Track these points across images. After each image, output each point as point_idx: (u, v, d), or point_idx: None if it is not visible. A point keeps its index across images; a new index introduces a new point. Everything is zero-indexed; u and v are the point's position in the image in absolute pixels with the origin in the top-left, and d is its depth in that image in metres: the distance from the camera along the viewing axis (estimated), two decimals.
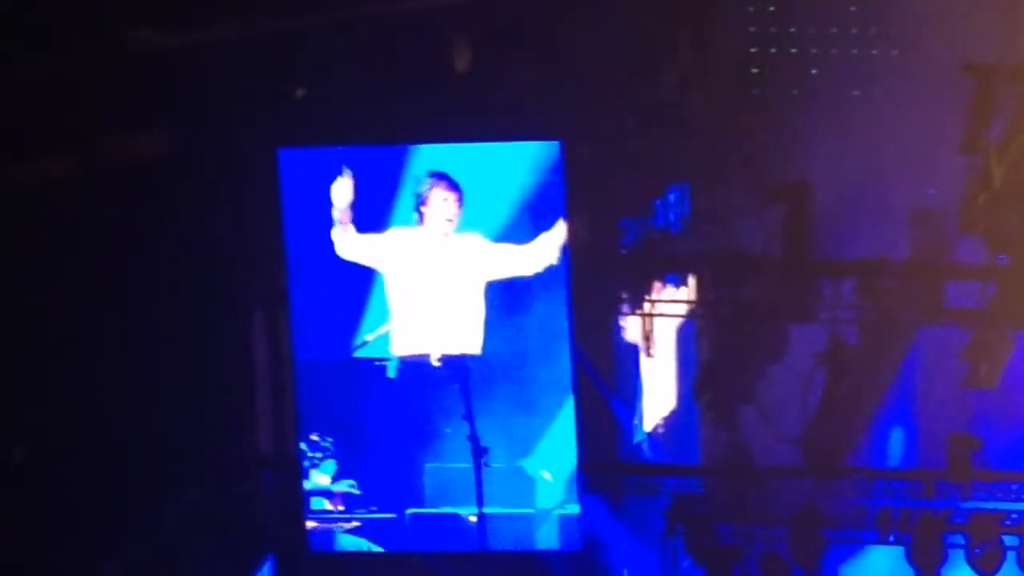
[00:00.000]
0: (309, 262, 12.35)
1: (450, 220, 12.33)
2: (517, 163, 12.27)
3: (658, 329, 12.99)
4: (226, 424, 12.46)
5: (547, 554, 12.80)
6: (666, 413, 13.29)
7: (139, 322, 11.30)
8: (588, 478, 12.65)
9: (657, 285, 12.84)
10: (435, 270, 12.45)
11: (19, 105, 10.20)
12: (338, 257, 12.32)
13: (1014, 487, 12.26)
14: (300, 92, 12.11)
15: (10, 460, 10.56)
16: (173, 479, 11.86)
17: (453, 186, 12.29)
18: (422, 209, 12.32)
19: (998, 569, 12.18)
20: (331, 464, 12.69)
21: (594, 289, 12.60)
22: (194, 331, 11.88)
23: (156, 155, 11.40)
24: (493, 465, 12.47)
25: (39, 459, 10.64)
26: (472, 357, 12.45)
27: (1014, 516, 12.22)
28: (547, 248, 12.23)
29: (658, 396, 13.26)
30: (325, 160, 12.25)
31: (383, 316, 12.53)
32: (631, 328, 13.02)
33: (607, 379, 13.05)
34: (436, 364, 12.47)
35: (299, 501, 12.67)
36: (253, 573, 12.65)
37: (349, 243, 12.28)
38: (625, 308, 12.89)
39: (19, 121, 10.22)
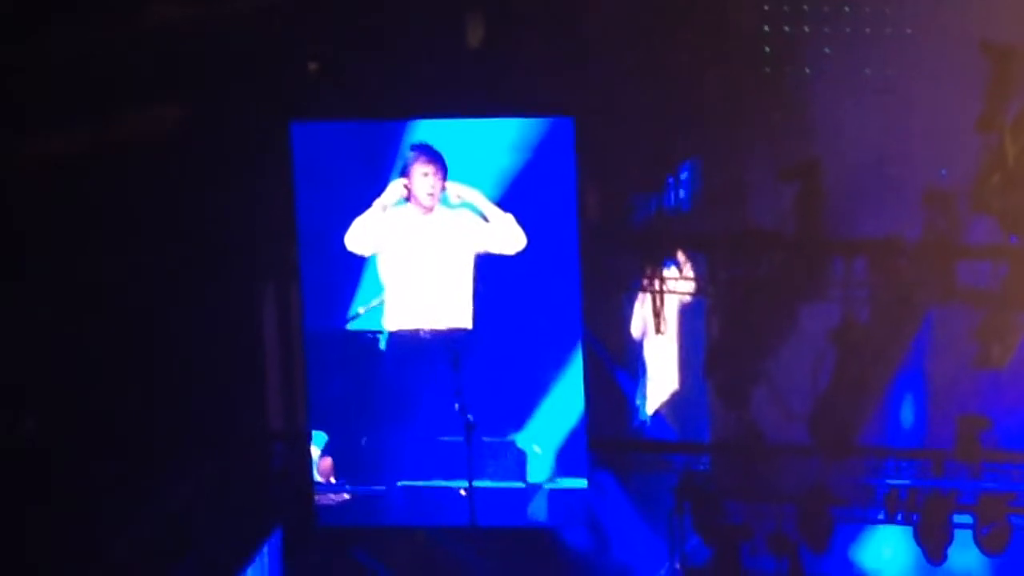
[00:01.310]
0: (319, 236, 12.34)
1: (431, 194, 12.31)
2: (519, 138, 12.26)
3: (668, 306, 12.99)
4: (235, 398, 12.44)
5: (539, 528, 12.83)
6: (676, 391, 13.30)
7: (150, 295, 11.26)
8: (596, 455, 12.64)
9: (668, 262, 12.83)
10: (422, 245, 12.44)
11: (31, 80, 10.16)
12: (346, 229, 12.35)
13: (1023, 468, 12.26)
14: (313, 66, 12.08)
15: (20, 433, 10.53)
16: (182, 452, 11.83)
17: (433, 159, 12.27)
18: (406, 184, 12.32)
19: (1005, 549, 12.21)
20: (321, 436, 12.70)
21: (605, 266, 12.59)
22: (204, 304, 11.85)
23: (169, 128, 11.37)
24: (484, 439, 12.48)
25: (49, 432, 10.60)
26: (464, 331, 12.45)
27: (1022, 497, 12.23)
28: (507, 227, 12.24)
29: (668, 374, 13.27)
30: (338, 134, 12.24)
31: (376, 289, 12.53)
32: (641, 305, 13.02)
33: (616, 356, 13.06)
34: (427, 338, 12.47)
35: (307, 475, 12.67)
36: (261, 546, 12.64)
37: (367, 233, 12.27)
38: (636, 285, 12.88)
39: (31, 96, 10.17)
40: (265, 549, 12.72)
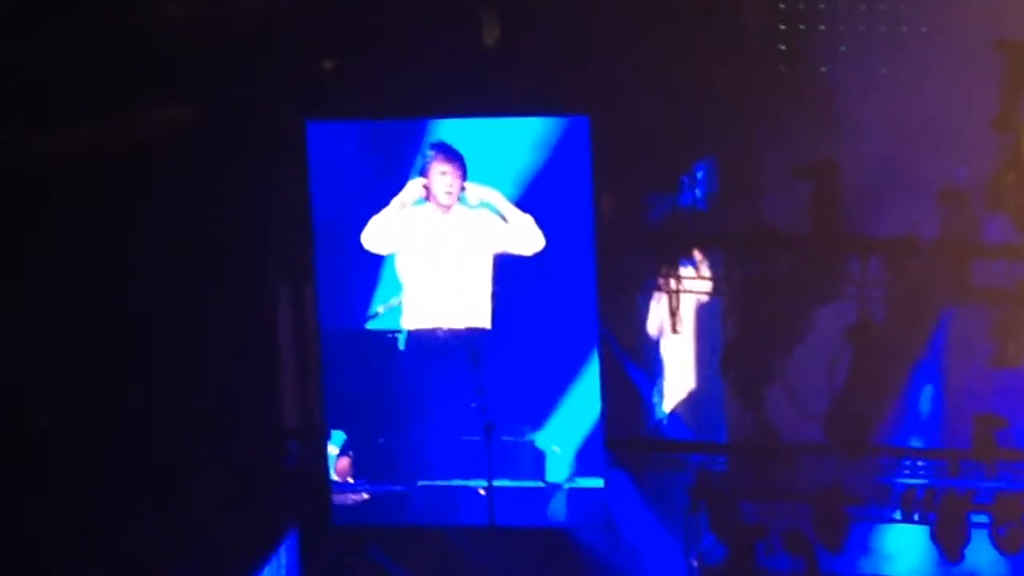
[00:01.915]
0: (335, 235, 12.36)
1: (449, 193, 12.32)
2: (537, 138, 12.26)
3: (684, 306, 12.98)
4: (251, 396, 12.47)
5: (557, 528, 12.83)
6: (692, 390, 13.29)
7: (165, 292, 11.29)
8: (612, 454, 12.63)
9: (683, 262, 12.82)
10: (441, 244, 12.45)
11: (48, 76, 10.21)
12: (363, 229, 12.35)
13: None
14: (329, 65, 12.10)
15: (34, 430, 10.57)
16: (197, 451, 11.85)
17: (452, 158, 12.28)
18: (425, 184, 12.33)
19: (1022, 549, 12.16)
20: (339, 435, 12.70)
21: (620, 265, 12.58)
22: (220, 302, 11.89)
23: (185, 126, 11.40)
24: (503, 438, 12.47)
25: (63, 429, 10.64)
26: (482, 330, 12.45)
27: None
28: (526, 228, 12.23)
29: (684, 373, 13.26)
30: (353, 133, 12.27)
31: (396, 288, 12.53)
32: (657, 305, 13.01)
33: (632, 355, 13.05)
34: (446, 337, 12.47)
35: (323, 474, 12.68)
36: (277, 546, 12.65)
37: (384, 232, 12.29)
38: (651, 284, 12.87)
39: (48, 92, 10.23)
40: (282, 548, 12.73)
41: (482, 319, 12.50)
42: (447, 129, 12.33)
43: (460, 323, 12.50)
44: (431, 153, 12.32)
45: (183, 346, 11.48)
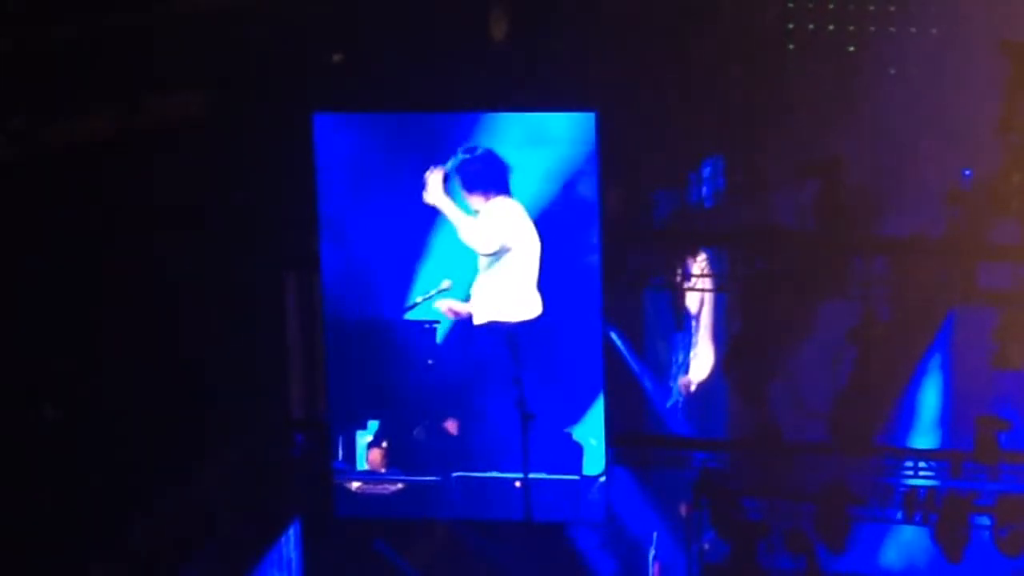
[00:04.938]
0: (342, 226, 12.36)
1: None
2: (551, 133, 12.24)
3: (690, 303, 13.00)
4: (257, 388, 12.48)
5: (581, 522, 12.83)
6: (696, 387, 13.30)
7: (173, 283, 11.32)
8: (616, 450, 12.63)
9: (689, 258, 12.83)
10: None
11: (57, 65, 10.22)
12: (369, 221, 12.33)
13: None
14: (337, 58, 12.13)
15: (43, 419, 10.60)
16: (203, 442, 11.88)
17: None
18: None
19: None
20: (374, 424, 12.68)
21: (626, 261, 12.57)
22: (226, 293, 11.91)
23: (193, 117, 11.43)
24: (541, 431, 12.41)
25: (71, 418, 10.66)
26: (524, 322, 12.38)
27: None
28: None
29: (689, 370, 13.26)
30: (360, 126, 12.27)
31: (434, 279, 12.48)
32: (662, 301, 13.02)
33: (638, 352, 13.06)
34: (484, 328, 12.41)
35: (327, 465, 12.68)
36: (279, 537, 12.69)
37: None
38: (657, 281, 12.86)
39: (57, 81, 10.24)
40: (285, 540, 12.78)
41: (526, 311, 12.34)
42: (455, 123, 12.27)
43: (502, 315, 12.37)
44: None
45: (190, 336, 11.50)
